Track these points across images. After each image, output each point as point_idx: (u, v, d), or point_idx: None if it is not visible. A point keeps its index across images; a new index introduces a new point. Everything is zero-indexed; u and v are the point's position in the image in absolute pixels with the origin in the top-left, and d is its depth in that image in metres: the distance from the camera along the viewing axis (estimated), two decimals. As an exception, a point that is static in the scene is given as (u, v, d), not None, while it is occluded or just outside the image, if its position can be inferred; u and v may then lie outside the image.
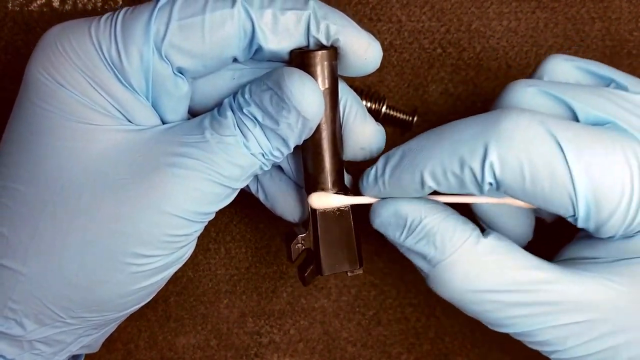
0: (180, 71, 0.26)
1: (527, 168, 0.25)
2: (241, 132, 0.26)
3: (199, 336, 0.38)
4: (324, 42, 0.26)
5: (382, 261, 0.38)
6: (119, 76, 0.25)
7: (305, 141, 0.28)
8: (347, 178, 0.31)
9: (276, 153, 0.27)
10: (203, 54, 0.25)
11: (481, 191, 0.26)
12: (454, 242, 0.27)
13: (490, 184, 0.26)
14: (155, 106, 0.27)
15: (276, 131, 0.26)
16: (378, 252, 0.38)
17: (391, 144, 0.38)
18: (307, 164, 0.29)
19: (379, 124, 0.30)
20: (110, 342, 0.37)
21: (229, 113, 0.26)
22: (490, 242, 0.27)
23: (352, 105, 0.29)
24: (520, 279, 0.26)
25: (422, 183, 0.27)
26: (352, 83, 0.37)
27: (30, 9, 0.36)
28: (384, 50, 0.37)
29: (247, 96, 0.26)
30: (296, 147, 0.28)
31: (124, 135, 0.26)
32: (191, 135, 0.26)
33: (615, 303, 0.26)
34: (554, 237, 0.32)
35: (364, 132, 0.29)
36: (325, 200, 0.29)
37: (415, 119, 0.36)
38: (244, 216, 0.38)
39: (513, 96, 0.28)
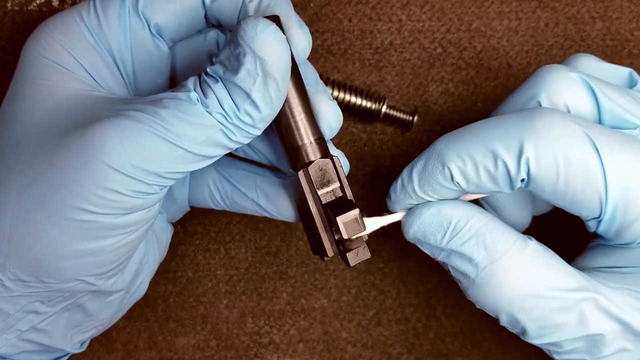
0: (159, 32, 0.28)
1: (562, 166, 0.25)
2: (202, 90, 0.25)
3: (198, 336, 0.38)
4: (251, 13, 0.27)
5: (382, 261, 0.38)
6: (98, 40, 0.27)
7: (277, 122, 0.27)
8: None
9: (243, 117, 0.24)
10: (175, 11, 0.28)
11: (512, 188, 0.26)
12: (504, 244, 0.26)
13: (522, 180, 0.26)
14: (139, 72, 0.28)
15: (236, 82, 0.24)
16: (378, 252, 0.38)
17: (391, 144, 0.38)
18: (283, 137, 0.27)
19: (334, 100, 0.29)
20: (109, 342, 0.37)
21: (193, 78, 0.25)
22: (536, 246, 0.27)
23: (306, 74, 0.28)
24: (566, 285, 0.26)
25: (452, 179, 0.26)
26: (352, 83, 0.37)
27: (29, 8, 0.36)
28: (384, 49, 0.37)
29: (214, 59, 0.25)
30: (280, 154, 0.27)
31: (86, 94, 0.26)
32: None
33: None
34: (561, 243, 0.32)
35: (318, 107, 0.28)
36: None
37: (415, 119, 0.36)
38: (243, 216, 0.38)
39: (550, 79, 0.28)
